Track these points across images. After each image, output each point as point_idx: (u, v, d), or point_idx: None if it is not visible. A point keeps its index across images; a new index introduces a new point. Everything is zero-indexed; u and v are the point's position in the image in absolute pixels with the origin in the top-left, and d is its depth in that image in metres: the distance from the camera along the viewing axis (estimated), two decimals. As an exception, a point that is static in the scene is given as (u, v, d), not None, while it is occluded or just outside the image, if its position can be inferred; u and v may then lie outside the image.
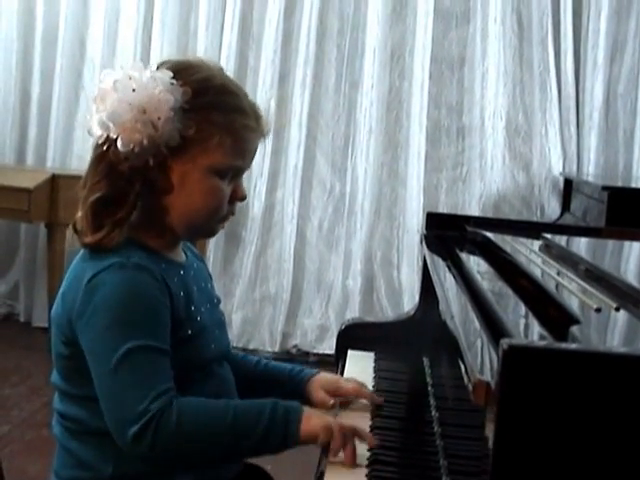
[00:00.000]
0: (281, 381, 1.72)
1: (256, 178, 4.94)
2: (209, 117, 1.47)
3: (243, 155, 1.52)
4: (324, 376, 1.73)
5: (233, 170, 1.52)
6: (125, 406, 1.39)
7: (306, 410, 1.47)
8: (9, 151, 5.17)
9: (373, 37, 4.87)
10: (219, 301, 1.68)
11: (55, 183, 4.57)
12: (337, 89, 4.95)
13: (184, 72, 1.48)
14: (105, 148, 1.46)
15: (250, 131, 1.51)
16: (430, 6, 4.82)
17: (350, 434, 1.45)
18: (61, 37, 5.07)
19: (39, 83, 5.12)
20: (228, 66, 4.89)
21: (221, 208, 1.53)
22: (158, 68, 1.48)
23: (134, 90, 1.44)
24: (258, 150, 1.58)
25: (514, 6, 4.81)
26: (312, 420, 1.44)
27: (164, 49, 4.97)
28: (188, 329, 1.50)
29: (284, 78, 4.95)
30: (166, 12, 5.02)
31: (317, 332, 4.90)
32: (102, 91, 1.46)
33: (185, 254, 1.62)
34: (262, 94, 4.90)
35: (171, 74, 1.46)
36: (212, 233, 1.62)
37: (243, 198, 1.56)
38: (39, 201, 4.54)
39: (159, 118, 1.43)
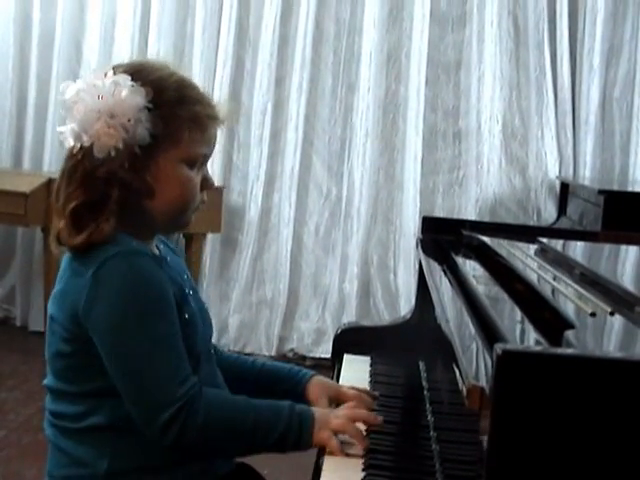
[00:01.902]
0: (279, 381, 1.73)
1: (252, 182, 4.94)
2: (174, 112, 1.50)
3: (208, 143, 1.57)
4: (323, 381, 1.74)
5: (201, 159, 1.56)
6: (155, 393, 1.42)
7: (317, 416, 1.51)
8: (6, 155, 5.17)
9: (369, 41, 4.87)
10: (196, 291, 1.68)
11: (52, 187, 4.50)
12: (333, 93, 4.96)
13: (140, 74, 1.52)
14: (80, 157, 1.48)
15: (211, 119, 1.55)
16: (426, 10, 4.82)
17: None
18: (57, 41, 5.07)
19: (35, 87, 5.12)
20: (225, 70, 4.90)
21: (195, 197, 1.57)
22: (114, 72, 1.51)
23: (100, 97, 1.47)
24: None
25: (510, 10, 4.81)
26: (323, 432, 1.49)
27: (160, 53, 4.95)
28: (185, 313, 1.52)
29: (280, 82, 4.95)
30: (162, 16, 5.02)
31: (314, 336, 4.90)
32: (68, 103, 1.49)
33: (157, 248, 1.63)
34: (258, 98, 4.91)
35: (129, 77, 1.49)
36: (187, 224, 1.65)
37: (212, 185, 1.61)
38: (35, 205, 4.54)
39: (129, 120, 1.46)
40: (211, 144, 1.58)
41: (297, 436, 1.48)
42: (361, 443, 1.50)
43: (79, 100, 1.47)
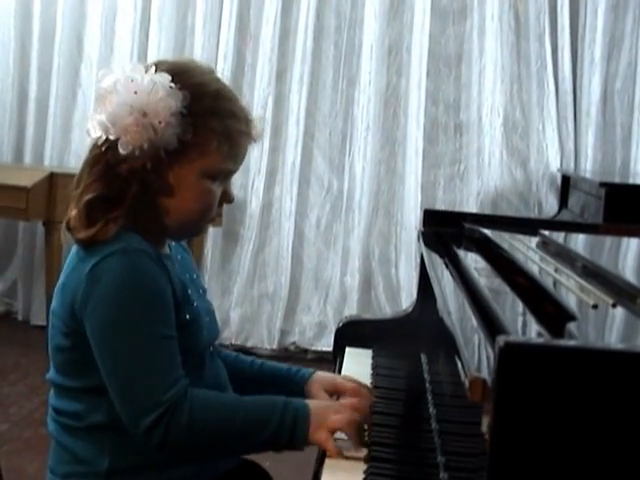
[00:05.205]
0: (278, 381, 1.72)
1: (254, 175, 4.94)
2: (207, 122, 1.48)
3: (235, 159, 1.55)
4: (322, 375, 1.73)
5: (225, 173, 1.54)
6: (140, 395, 1.41)
7: (314, 412, 1.47)
8: (7, 150, 5.16)
9: (370, 34, 4.87)
10: (205, 291, 1.69)
11: (53, 181, 4.57)
12: (334, 86, 4.95)
13: (181, 76, 1.49)
14: (104, 149, 1.47)
15: (243, 136, 1.54)
16: (427, 3, 4.82)
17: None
18: (58, 35, 5.06)
19: (36, 81, 5.11)
20: (225, 64, 4.89)
21: (212, 210, 1.56)
22: (155, 70, 1.48)
23: (136, 93, 1.44)
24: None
25: (511, 2, 4.81)
26: (321, 433, 1.45)
27: (161, 47, 4.97)
28: (186, 313, 1.51)
29: (281, 75, 4.94)
30: (163, 10, 5.01)
31: (315, 329, 4.90)
32: (102, 92, 1.47)
33: (169, 247, 1.62)
34: (259, 91, 4.90)
35: (170, 77, 1.46)
36: (199, 233, 1.66)
37: (232, 200, 1.59)
38: (37, 199, 4.54)
39: (160, 122, 1.44)
40: (238, 160, 1.56)
41: (290, 434, 1.45)
42: (356, 446, 1.47)
43: (114, 91, 1.45)
